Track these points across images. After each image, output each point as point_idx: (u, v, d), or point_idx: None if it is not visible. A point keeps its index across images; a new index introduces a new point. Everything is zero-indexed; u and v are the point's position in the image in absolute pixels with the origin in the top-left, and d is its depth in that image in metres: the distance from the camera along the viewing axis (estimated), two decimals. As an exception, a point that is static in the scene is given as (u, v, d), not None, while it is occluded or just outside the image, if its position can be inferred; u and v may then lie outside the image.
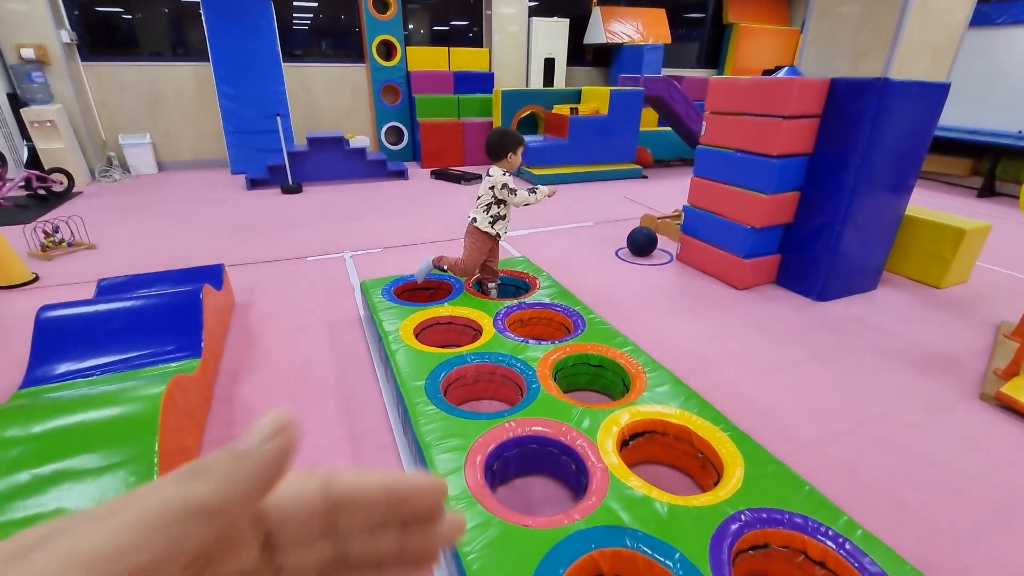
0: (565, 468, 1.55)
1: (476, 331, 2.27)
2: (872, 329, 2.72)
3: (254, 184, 5.68)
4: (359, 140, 6.43)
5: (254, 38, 6.13)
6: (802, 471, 1.55)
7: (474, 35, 7.80)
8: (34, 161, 5.42)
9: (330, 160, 5.92)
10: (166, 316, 2.24)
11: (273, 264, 3.52)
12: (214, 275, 2.81)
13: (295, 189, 5.51)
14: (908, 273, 3.36)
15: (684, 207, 3.49)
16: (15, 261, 3.15)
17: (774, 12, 9.19)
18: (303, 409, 2.05)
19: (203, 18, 5.88)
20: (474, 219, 2.48)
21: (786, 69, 2.81)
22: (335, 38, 7.24)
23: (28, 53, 5.38)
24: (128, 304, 2.31)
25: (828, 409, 2.07)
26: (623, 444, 1.57)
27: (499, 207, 2.47)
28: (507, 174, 2.43)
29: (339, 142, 5.89)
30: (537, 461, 1.60)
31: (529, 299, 2.49)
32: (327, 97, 7.12)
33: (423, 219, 4.57)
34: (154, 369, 2.04)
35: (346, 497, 0.23)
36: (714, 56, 9.34)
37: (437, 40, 7.72)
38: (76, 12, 5.92)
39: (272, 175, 5.66)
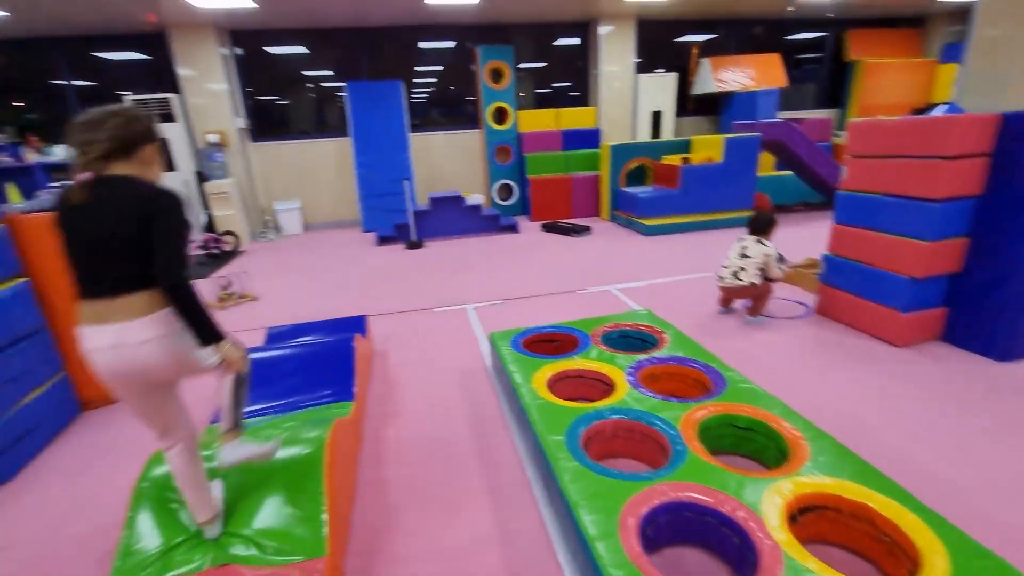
0: (726, 541, 1.44)
1: (607, 385, 2.24)
2: (1081, 397, 2.29)
3: (383, 240, 6.23)
4: (474, 198, 6.84)
5: (387, 115, 6.88)
6: (1018, 566, 1.31)
7: (578, 94, 8.12)
8: (209, 226, 6.41)
9: (449, 217, 6.34)
10: (324, 362, 2.48)
11: (403, 315, 3.77)
12: (359, 324, 3.07)
13: (418, 244, 5.95)
14: (1120, 330, 2.80)
15: (824, 256, 3.25)
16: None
17: (903, 45, 8.53)
18: (443, 457, 2.13)
19: (347, 101, 6.73)
20: (752, 283, 3.13)
21: (945, 107, 2.58)
22: (448, 107, 8.01)
23: (213, 138, 6.48)
24: (293, 351, 2.59)
25: (1038, 493, 1.75)
26: (791, 519, 1.44)
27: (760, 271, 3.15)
28: None
29: (457, 200, 6.30)
30: (692, 530, 1.50)
31: (659, 353, 2.42)
32: (446, 160, 7.73)
33: (537, 270, 4.69)
34: (314, 411, 2.24)
35: None
36: (835, 96, 8.84)
37: (542, 102, 8.14)
38: (248, 102, 7.06)
39: (399, 232, 6.17)
